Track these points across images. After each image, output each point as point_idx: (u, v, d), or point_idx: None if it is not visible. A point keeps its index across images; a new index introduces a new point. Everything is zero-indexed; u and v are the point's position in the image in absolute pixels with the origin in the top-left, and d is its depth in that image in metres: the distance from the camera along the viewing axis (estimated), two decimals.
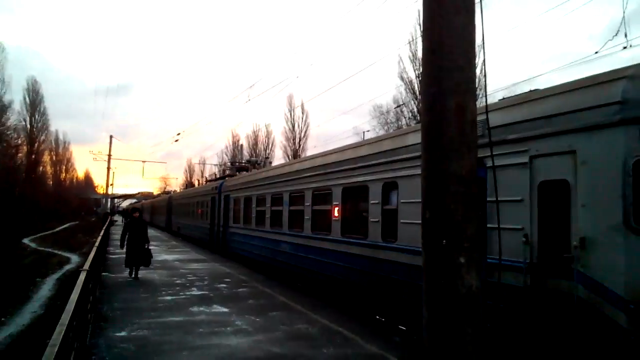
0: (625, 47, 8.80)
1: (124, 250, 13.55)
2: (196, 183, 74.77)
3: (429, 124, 3.48)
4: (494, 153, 5.90)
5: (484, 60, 4.87)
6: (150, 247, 13.82)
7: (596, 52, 10.26)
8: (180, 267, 15.94)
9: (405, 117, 32.72)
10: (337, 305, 10.16)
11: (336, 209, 10.42)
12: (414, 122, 30.27)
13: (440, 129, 3.35)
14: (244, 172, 24.33)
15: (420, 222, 3.39)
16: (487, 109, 4.18)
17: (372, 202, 9.00)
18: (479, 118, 6.36)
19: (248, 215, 17.06)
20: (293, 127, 49.44)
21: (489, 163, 5.99)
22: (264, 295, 11.04)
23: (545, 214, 5.47)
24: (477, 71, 3.59)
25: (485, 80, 4.50)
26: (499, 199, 5.78)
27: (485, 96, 4.18)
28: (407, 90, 31.77)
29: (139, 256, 13.28)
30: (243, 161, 37.90)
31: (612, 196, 4.77)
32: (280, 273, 13.84)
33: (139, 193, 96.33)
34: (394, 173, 8.33)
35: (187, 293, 11.16)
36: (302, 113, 48.98)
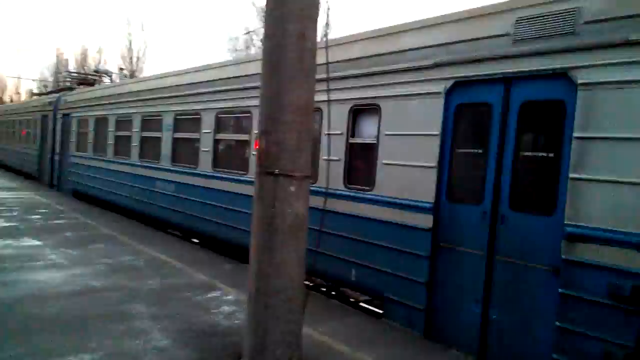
0: None
1: None
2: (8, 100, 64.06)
3: (270, 50, 3.35)
4: (591, 63, 3.87)
5: None
6: None
7: None
8: None
9: (255, 46, 32.47)
10: (169, 235, 9.87)
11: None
12: None
13: (280, 56, 3.25)
14: (84, 86, 18.91)
15: None
16: None
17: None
18: (564, 7, 4.09)
19: (104, 143, 13.24)
20: (130, 43, 44.94)
21: (580, 78, 3.91)
22: (86, 227, 10.16)
23: None
24: None
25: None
26: (599, 135, 3.76)
27: None
28: (260, 17, 31.34)
29: None
30: (85, 73, 29.00)
31: None
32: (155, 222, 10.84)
33: None
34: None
35: None
36: (142, 30, 44.60)
